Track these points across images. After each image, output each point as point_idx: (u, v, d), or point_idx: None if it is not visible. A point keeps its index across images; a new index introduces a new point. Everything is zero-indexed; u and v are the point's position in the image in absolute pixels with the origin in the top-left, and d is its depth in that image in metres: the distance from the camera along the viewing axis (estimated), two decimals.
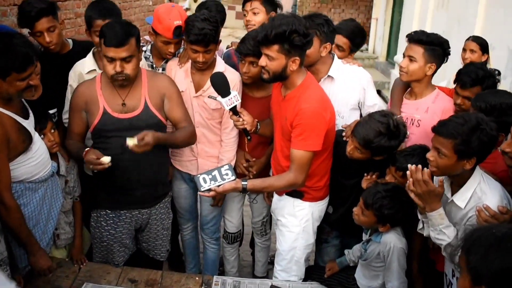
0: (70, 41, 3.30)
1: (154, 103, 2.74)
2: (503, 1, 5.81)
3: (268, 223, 3.59)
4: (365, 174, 2.75)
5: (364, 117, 2.70)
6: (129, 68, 2.58)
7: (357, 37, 3.36)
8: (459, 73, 2.87)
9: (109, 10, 3.03)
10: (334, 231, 3.09)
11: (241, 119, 2.72)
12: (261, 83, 3.03)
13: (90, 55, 3.06)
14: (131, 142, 2.50)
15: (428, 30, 8.03)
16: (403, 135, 2.60)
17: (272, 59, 2.47)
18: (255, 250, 3.78)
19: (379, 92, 10.11)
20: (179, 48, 3.14)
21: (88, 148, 2.62)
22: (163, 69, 3.24)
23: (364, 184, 2.73)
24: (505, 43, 5.41)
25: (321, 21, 2.82)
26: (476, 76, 2.77)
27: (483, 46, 4.22)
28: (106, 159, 2.53)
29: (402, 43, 9.73)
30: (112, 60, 2.53)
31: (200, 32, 2.75)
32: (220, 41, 2.98)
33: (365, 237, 2.72)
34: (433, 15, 8.15)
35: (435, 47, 2.81)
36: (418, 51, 2.81)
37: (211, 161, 3.13)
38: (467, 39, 4.33)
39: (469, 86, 2.76)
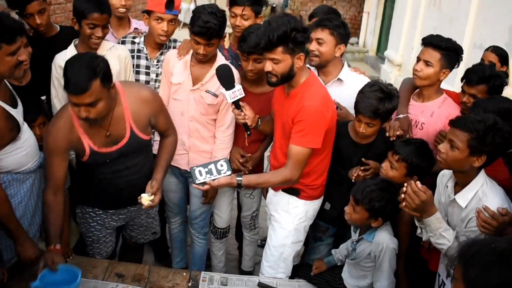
0: (57, 26, 3.27)
1: (140, 127, 2.61)
2: (494, 1, 5.85)
3: (257, 217, 3.59)
4: (359, 166, 2.78)
5: (357, 96, 2.73)
6: (94, 112, 2.34)
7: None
8: (467, 71, 2.88)
9: (106, 5, 2.96)
10: (329, 230, 3.11)
11: (242, 113, 2.71)
12: (262, 79, 3.03)
13: (71, 46, 2.98)
14: (145, 202, 2.55)
15: (420, 27, 8.13)
16: (396, 91, 2.70)
17: (278, 61, 2.46)
18: (243, 244, 3.78)
19: None
20: (173, 29, 3.12)
21: (53, 248, 2.40)
22: (158, 61, 3.20)
23: (350, 174, 2.78)
24: (496, 42, 5.44)
25: (338, 23, 2.93)
26: (483, 74, 2.79)
27: (503, 57, 4.09)
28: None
29: (393, 38, 9.79)
30: (76, 105, 2.32)
31: (204, 25, 2.71)
32: (224, 36, 2.93)
33: (354, 236, 2.72)
34: (425, 12, 8.18)
35: (451, 53, 2.82)
36: (435, 56, 2.81)
37: (203, 156, 3.11)
38: (486, 49, 4.17)
39: (475, 84, 2.78)
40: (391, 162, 2.64)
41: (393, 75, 9.05)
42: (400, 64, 9.08)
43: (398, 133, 2.76)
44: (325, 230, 3.11)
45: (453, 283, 1.52)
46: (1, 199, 2.34)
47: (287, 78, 2.55)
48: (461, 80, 2.90)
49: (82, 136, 2.51)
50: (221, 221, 3.45)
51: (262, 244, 4.02)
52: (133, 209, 2.89)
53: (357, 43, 12.83)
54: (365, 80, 3.10)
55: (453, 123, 2.23)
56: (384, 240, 2.53)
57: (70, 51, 2.95)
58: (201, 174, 2.54)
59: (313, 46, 2.92)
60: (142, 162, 2.73)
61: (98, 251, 2.95)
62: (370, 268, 2.63)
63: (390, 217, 2.59)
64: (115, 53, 3.00)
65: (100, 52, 2.93)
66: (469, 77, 2.82)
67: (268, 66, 2.50)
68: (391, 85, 2.73)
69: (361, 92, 2.71)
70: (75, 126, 2.49)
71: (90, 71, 2.27)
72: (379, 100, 2.61)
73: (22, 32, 2.30)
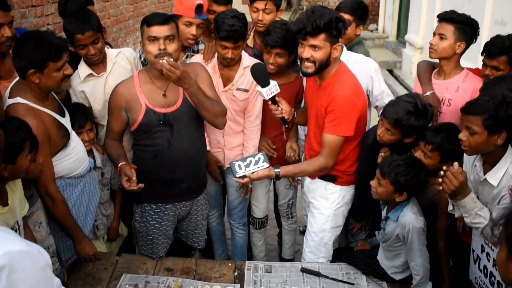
0: None
1: None
2: None
3: (294, 205, 3.68)
4: (380, 152, 2.81)
5: (392, 99, 2.79)
6: (171, 48, 2.60)
7: (359, 10, 3.44)
8: (486, 44, 2.90)
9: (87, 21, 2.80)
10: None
11: (279, 108, 2.79)
12: (282, 71, 3.13)
13: (82, 62, 2.96)
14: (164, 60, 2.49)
15: (438, 8, 8.05)
16: (430, 114, 2.68)
17: (318, 48, 2.54)
18: (282, 233, 3.87)
19: (390, 71, 10.10)
20: (200, 33, 3.18)
21: (124, 163, 2.64)
22: None
23: (379, 160, 2.80)
24: None
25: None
26: (502, 46, 2.81)
27: None
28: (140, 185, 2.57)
29: (413, 21, 9.70)
30: (155, 39, 2.58)
31: (231, 29, 2.82)
32: (248, 36, 3.00)
33: (383, 213, 2.77)
34: None
35: (465, 26, 2.89)
36: (449, 29, 2.90)
37: (236, 150, 3.24)
38: None
39: (496, 56, 2.81)
40: (424, 152, 2.64)
41: (415, 58, 8.98)
42: (422, 47, 8.99)
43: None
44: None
45: (499, 248, 1.54)
46: (59, 200, 2.50)
47: (324, 66, 2.62)
48: (481, 54, 2.92)
49: (139, 94, 2.72)
50: (259, 211, 3.54)
51: (303, 230, 4.07)
52: (188, 203, 2.97)
53: (377, 29, 12.72)
54: (367, 61, 3.18)
55: (464, 110, 2.27)
56: (409, 220, 2.57)
57: (82, 66, 2.97)
58: (240, 168, 2.65)
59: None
60: (195, 135, 2.83)
61: (157, 251, 2.99)
62: (401, 248, 2.69)
63: (414, 192, 2.63)
64: (123, 56, 3.10)
65: (110, 58, 3.00)
66: (489, 50, 2.85)
67: (307, 52, 2.57)
68: (430, 105, 2.71)
69: (397, 97, 2.77)
70: (135, 85, 2.74)
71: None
72: (407, 112, 2.60)
73: (67, 48, 2.45)
